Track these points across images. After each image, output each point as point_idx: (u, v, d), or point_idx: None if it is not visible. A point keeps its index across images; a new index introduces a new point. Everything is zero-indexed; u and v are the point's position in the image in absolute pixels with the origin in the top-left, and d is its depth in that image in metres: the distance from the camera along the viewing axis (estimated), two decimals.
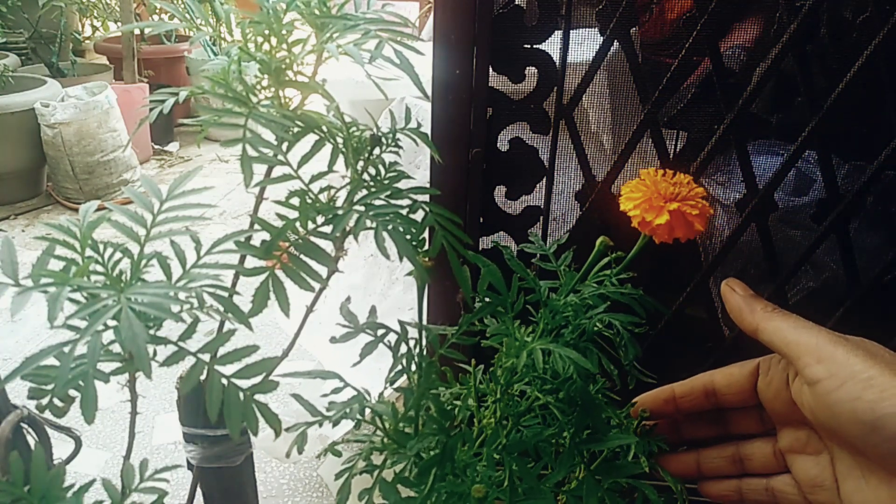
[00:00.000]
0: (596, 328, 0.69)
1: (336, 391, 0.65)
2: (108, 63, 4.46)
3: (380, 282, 1.65)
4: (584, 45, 1.18)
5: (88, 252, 0.58)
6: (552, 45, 1.15)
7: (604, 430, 0.65)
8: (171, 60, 4.41)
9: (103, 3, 4.60)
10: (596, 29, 1.13)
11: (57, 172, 3.46)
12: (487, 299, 0.65)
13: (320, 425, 0.65)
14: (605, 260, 0.71)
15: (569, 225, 1.36)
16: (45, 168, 3.59)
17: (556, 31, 1.14)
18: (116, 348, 0.58)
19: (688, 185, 0.62)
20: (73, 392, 0.58)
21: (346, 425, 1.89)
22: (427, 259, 0.62)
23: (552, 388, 0.69)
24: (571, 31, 1.07)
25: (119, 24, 4.46)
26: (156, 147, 4.07)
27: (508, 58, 1.15)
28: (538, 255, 0.78)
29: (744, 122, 1.00)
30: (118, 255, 0.59)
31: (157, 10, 4.48)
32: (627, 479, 0.63)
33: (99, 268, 0.57)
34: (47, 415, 0.61)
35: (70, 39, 4.43)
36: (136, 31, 4.07)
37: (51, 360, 0.56)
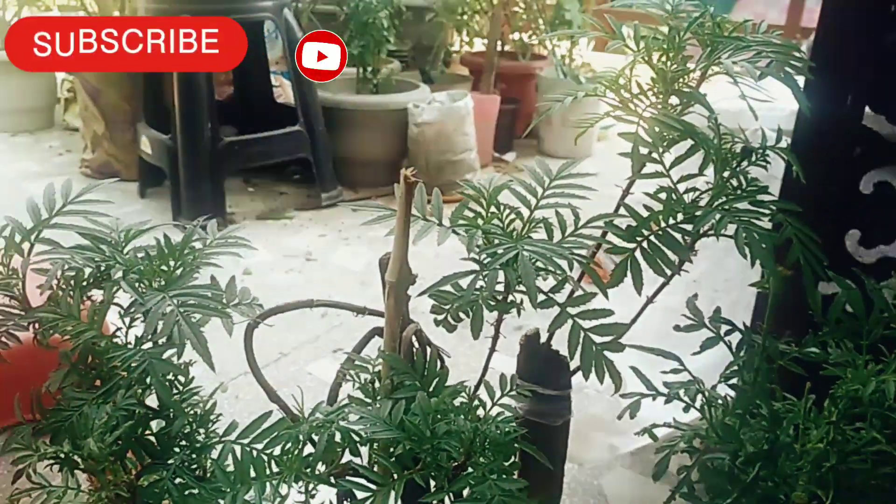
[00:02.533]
0: None
1: (675, 372, 0.71)
2: (468, 74, 4.98)
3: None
4: None
5: (492, 209, 0.72)
6: None
7: None
8: (523, 77, 4.77)
9: (475, 20, 5.15)
10: None
11: (414, 165, 3.98)
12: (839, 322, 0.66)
13: (654, 399, 0.72)
14: None
15: None
16: (404, 161, 4.14)
17: None
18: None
19: None
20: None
21: (642, 439, 1.91)
22: (785, 268, 0.65)
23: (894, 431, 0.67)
24: None
25: (485, 41, 4.96)
26: (495, 155, 4.46)
27: (892, 96, 1.10)
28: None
29: None
30: (512, 216, 0.72)
31: (520, 29, 4.88)
32: None
33: (496, 222, 0.71)
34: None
35: (442, 51, 5.03)
36: (497, 48, 4.50)
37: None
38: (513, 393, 0.69)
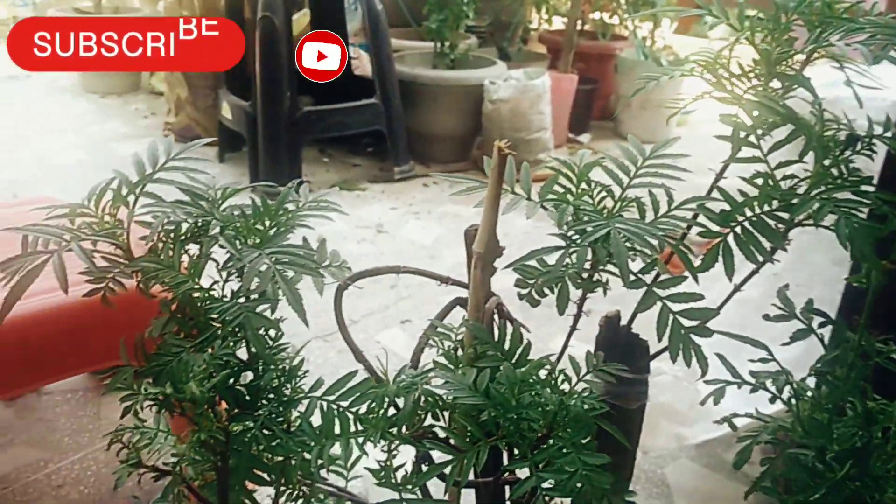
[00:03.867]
0: None
1: (764, 362, 0.70)
2: (546, 52, 4.92)
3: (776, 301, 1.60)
4: None
5: (583, 186, 0.72)
6: None
7: None
8: (602, 57, 4.69)
9: None
10: None
11: (487, 143, 3.97)
12: None
13: (739, 387, 0.71)
14: None
15: None
16: (477, 138, 4.13)
17: None
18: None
19: None
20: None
21: (710, 431, 1.87)
22: (890, 262, 0.63)
23: None
24: None
25: (565, 19, 4.88)
26: (570, 136, 4.41)
27: None
28: None
29: None
30: (603, 193, 0.72)
31: (601, 8, 4.79)
32: None
33: (587, 199, 0.71)
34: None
35: (521, 28, 4.98)
36: (577, 27, 4.43)
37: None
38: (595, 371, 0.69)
